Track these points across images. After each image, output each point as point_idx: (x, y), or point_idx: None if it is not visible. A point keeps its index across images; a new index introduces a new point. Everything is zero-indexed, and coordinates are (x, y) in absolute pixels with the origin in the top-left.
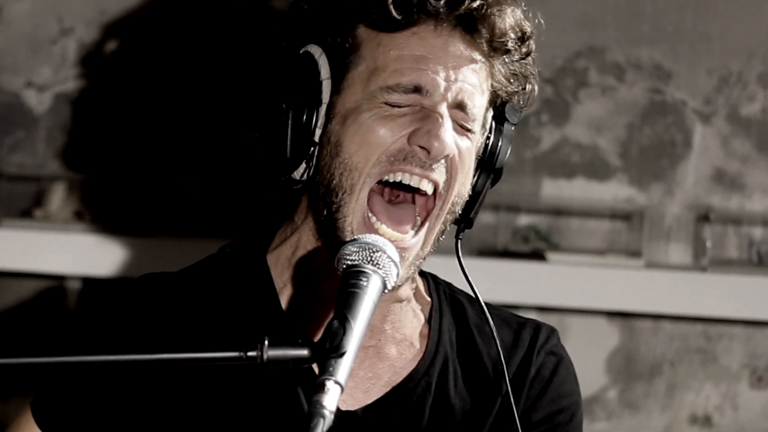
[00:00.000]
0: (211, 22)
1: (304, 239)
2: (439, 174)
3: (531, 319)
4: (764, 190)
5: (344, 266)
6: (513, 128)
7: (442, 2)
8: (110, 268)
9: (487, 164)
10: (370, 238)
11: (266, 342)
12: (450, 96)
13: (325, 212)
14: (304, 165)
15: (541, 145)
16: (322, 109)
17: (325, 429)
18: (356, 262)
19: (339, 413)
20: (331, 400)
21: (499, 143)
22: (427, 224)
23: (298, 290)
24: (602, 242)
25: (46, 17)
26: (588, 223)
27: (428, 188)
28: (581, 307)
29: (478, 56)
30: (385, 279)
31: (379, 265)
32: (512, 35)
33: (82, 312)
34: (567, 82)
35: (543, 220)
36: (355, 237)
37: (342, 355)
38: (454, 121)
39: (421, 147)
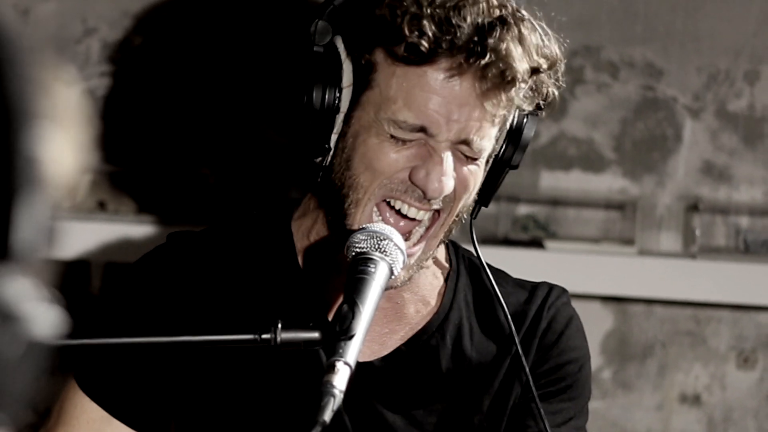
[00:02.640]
0: (227, 16)
1: (322, 216)
2: (440, 203)
3: (544, 281)
4: (751, 182)
5: (353, 253)
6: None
7: (459, 42)
8: (131, 255)
9: (503, 164)
10: (377, 226)
11: (279, 325)
12: (455, 136)
13: (335, 212)
14: (321, 158)
15: (539, 139)
16: (340, 117)
17: (335, 408)
18: (365, 250)
19: (357, 364)
20: (341, 380)
21: (518, 146)
22: (430, 233)
23: (316, 258)
24: (597, 231)
25: (71, 18)
26: (584, 213)
27: (426, 217)
28: (577, 292)
29: (492, 91)
30: (392, 265)
31: (386, 252)
32: (528, 67)
33: (115, 273)
34: (564, 80)
35: (541, 210)
36: (364, 226)
37: (351, 337)
38: (460, 153)
39: (419, 186)
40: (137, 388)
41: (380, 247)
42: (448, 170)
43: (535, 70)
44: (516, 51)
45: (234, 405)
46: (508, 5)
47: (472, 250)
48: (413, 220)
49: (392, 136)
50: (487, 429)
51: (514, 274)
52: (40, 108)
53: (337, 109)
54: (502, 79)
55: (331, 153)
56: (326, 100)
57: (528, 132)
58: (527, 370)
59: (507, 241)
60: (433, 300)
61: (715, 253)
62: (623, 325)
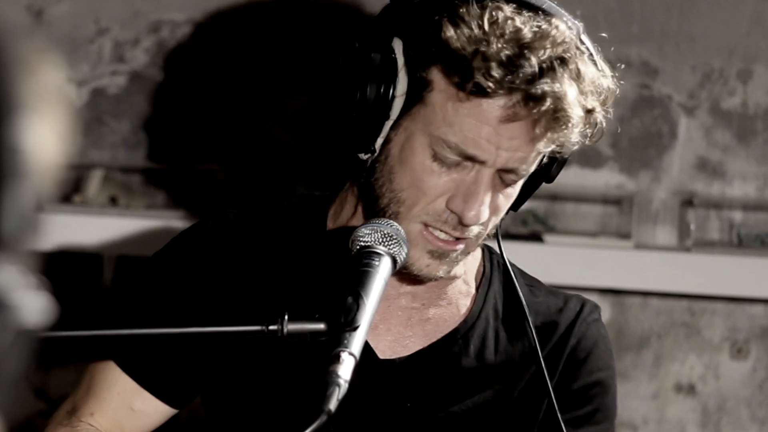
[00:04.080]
0: (237, 15)
1: (360, 209)
2: (475, 230)
3: (578, 294)
4: (744, 178)
5: (358, 246)
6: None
7: (520, 84)
8: (141, 249)
9: (541, 176)
10: (382, 221)
11: (286, 317)
12: (501, 164)
13: (370, 211)
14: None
15: None
16: (388, 124)
17: (340, 397)
18: (369, 243)
19: (378, 361)
20: (346, 370)
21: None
22: (462, 247)
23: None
24: (595, 225)
25: (84, 18)
26: (582, 208)
27: (461, 246)
28: (575, 285)
29: (544, 133)
30: (396, 258)
31: (390, 245)
32: (582, 113)
33: (128, 265)
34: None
35: (540, 205)
36: (369, 220)
37: (356, 328)
38: (501, 178)
39: (455, 212)
40: (166, 363)
41: (384, 240)
42: (486, 200)
43: (588, 112)
44: (571, 95)
45: (247, 392)
46: (570, 38)
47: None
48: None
49: (437, 156)
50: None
51: None
52: (24, 97)
53: (387, 116)
54: (556, 123)
55: (375, 155)
56: (378, 103)
57: (568, 151)
58: (550, 387)
59: (507, 235)
60: (462, 307)
61: (710, 247)
62: (620, 316)
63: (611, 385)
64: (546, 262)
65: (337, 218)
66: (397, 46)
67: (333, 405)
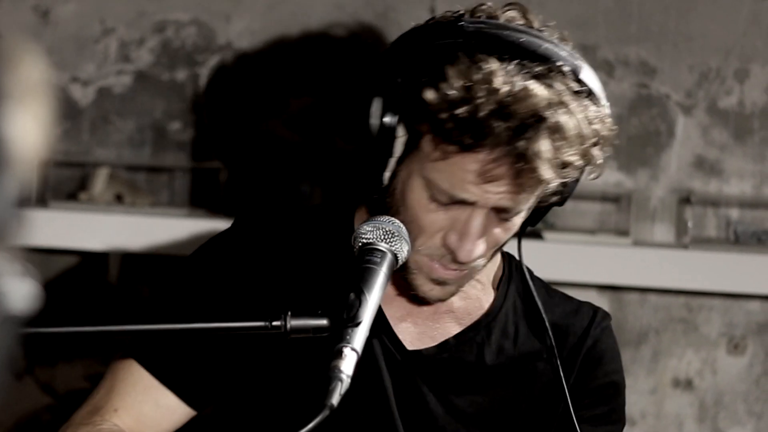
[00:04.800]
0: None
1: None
2: (475, 263)
3: (588, 302)
4: (740, 176)
5: (360, 243)
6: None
7: (500, 142)
8: (147, 246)
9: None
10: (383, 218)
11: (289, 313)
12: (493, 204)
13: None
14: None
15: None
16: (392, 161)
17: (342, 392)
18: (371, 240)
19: (406, 352)
20: (348, 365)
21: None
22: (465, 273)
23: None
24: (593, 222)
25: (90, 18)
26: (581, 205)
27: (463, 273)
28: (575, 281)
29: (533, 173)
30: (397, 255)
31: (391, 243)
32: (553, 170)
33: (132, 264)
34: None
35: None
36: (372, 217)
37: (358, 324)
38: (497, 215)
39: (449, 249)
40: (190, 364)
41: (386, 238)
42: (479, 239)
43: (565, 166)
44: (546, 153)
45: (255, 388)
46: (556, 92)
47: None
48: None
49: (433, 197)
50: (525, 427)
51: None
52: (8, 88)
53: (391, 153)
54: (531, 179)
55: (387, 183)
56: (383, 142)
57: (575, 183)
58: (565, 385)
59: None
60: (485, 302)
61: (707, 244)
62: (618, 312)
63: (623, 390)
64: (546, 259)
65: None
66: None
67: (335, 399)
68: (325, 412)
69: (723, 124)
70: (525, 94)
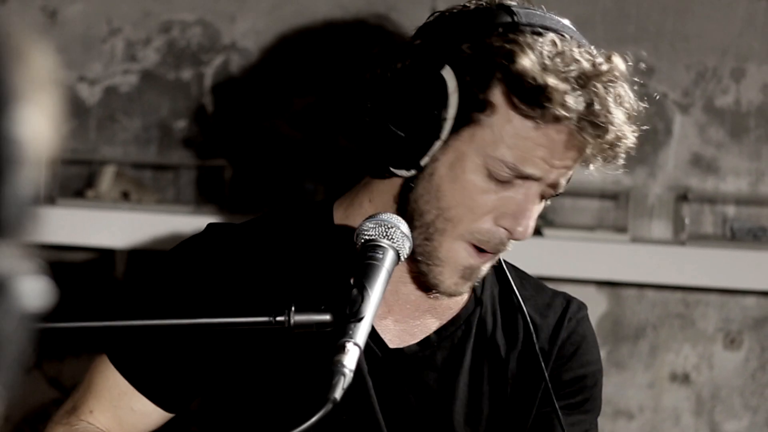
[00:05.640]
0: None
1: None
2: (510, 245)
3: (564, 292)
4: (736, 173)
5: (362, 240)
6: None
7: (586, 114)
8: (153, 242)
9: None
10: (385, 215)
11: (293, 308)
12: (551, 180)
13: (415, 234)
14: (404, 171)
15: None
16: (437, 144)
17: (345, 386)
18: (373, 237)
19: (387, 350)
20: (351, 359)
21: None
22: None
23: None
24: (592, 219)
25: (97, 19)
26: (579, 203)
27: (489, 263)
28: (573, 277)
29: (598, 155)
30: (399, 252)
31: (393, 239)
32: (626, 138)
33: (155, 259)
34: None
35: None
36: (373, 214)
37: (360, 319)
38: (542, 195)
39: (505, 228)
40: (166, 369)
41: (388, 234)
42: (535, 215)
43: (632, 140)
44: (626, 123)
45: (256, 384)
46: (621, 69)
47: None
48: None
49: (490, 175)
50: (506, 422)
51: (514, 261)
52: (19, 86)
53: (438, 136)
54: (611, 148)
55: (418, 172)
56: (430, 124)
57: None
58: (546, 375)
59: None
60: (463, 296)
61: (703, 241)
62: (617, 308)
63: (599, 379)
64: (545, 256)
65: (348, 222)
66: (448, 69)
67: (338, 394)
68: (328, 406)
69: (719, 123)
70: (608, 66)
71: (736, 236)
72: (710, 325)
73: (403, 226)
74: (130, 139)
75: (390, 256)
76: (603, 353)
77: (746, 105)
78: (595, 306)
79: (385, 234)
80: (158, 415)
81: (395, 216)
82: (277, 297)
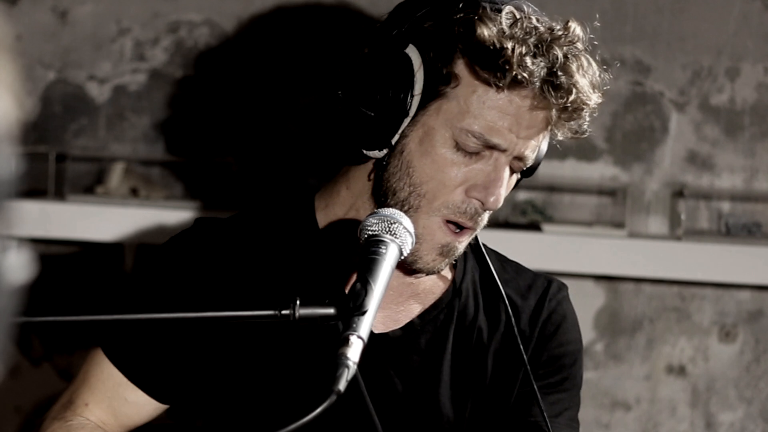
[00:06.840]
0: (253, 13)
1: (359, 206)
2: (485, 217)
3: (545, 273)
4: (731, 170)
5: (366, 235)
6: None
7: (550, 77)
8: (161, 238)
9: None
10: (388, 211)
11: (298, 301)
12: (518, 151)
13: (380, 203)
14: (376, 152)
15: None
16: (406, 121)
17: (349, 378)
18: (376, 232)
19: (373, 335)
20: (355, 352)
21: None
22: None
23: (338, 236)
24: (590, 215)
25: (106, 19)
26: (578, 199)
27: (466, 239)
28: (572, 272)
29: (564, 120)
30: (402, 247)
31: (396, 234)
32: (589, 100)
33: (145, 254)
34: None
35: (539, 196)
36: (376, 210)
37: (364, 313)
38: (511, 168)
39: (477, 199)
40: (159, 360)
41: (391, 229)
42: (505, 184)
43: (594, 93)
44: (585, 86)
45: (255, 377)
46: (580, 35)
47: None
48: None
49: (458, 147)
50: (490, 403)
51: (514, 255)
52: None
53: (407, 113)
54: (574, 111)
55: (389, 151)
56: (398, 103)
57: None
58: (525, 357)
59: (507, 225)
60: (443, 280)
61: (699, 236)
62: (614, 301)
63: (579, 357)
64: (544, 251)
65: (329, 212)
66: (412, 48)
67: (342, 385)
68: (333, 398)
69: (715, 121)
70: (565, 32)
71: (730, 231)
72: (706, 319)
73: (405, 222)
74: (138, 137)
75: (392, 250)
76: (600, 346)
77: (741, 103)
78: (593, 300)
79: (387, 229)
80: (152, 406)
81: (398, 212)
82: (264, 287)
